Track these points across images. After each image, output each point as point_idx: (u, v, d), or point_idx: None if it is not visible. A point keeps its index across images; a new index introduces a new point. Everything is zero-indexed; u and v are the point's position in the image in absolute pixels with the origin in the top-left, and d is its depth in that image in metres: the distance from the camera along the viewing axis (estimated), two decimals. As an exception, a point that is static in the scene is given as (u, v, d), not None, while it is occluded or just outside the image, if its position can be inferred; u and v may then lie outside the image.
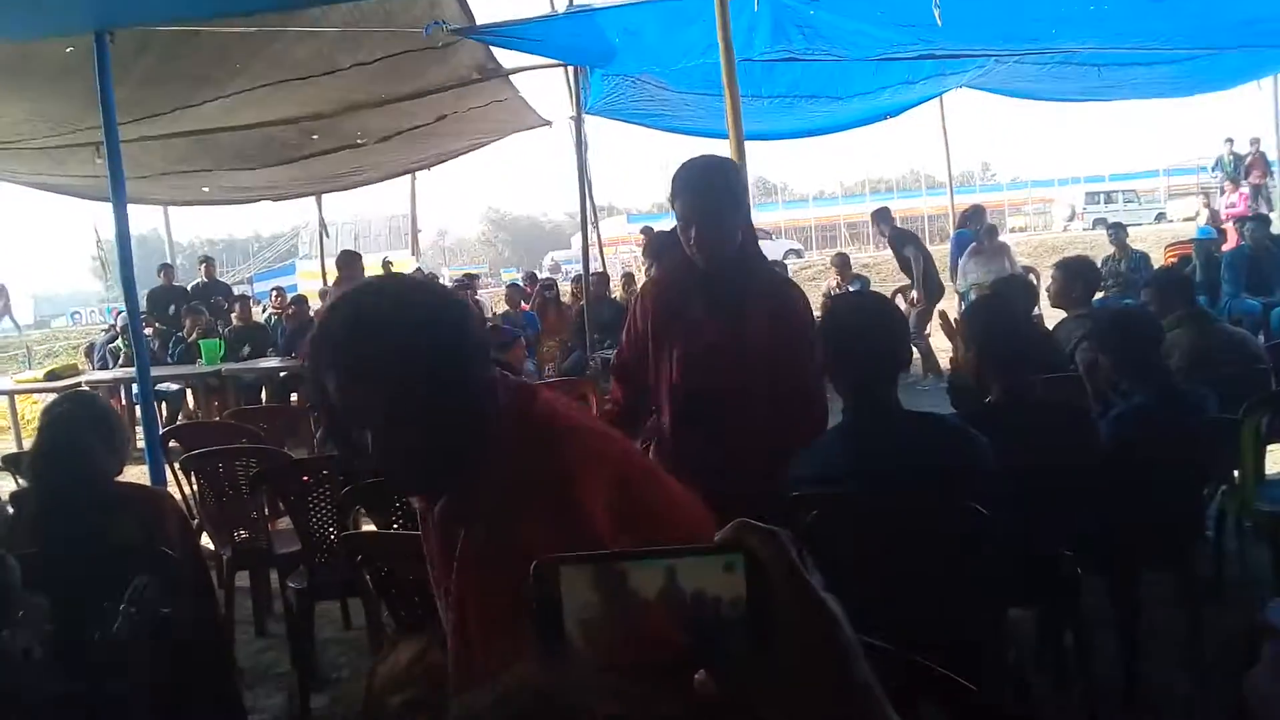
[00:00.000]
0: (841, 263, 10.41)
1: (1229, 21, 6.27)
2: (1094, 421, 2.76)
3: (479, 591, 1.29)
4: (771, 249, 24.00)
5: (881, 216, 10.55)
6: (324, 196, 12.93)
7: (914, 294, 9.51)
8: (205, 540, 3.83)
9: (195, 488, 3.97)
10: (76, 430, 2.25)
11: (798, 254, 29.01)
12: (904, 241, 9.95)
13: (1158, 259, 11.13)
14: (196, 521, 3.94)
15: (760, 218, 35.27)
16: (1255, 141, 16.97)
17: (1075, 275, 4.02)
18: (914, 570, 2.16)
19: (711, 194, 2.42)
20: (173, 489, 3.93)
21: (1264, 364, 3.55)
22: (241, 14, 5.57)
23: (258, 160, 9.96)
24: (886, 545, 2.19)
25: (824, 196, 40.87)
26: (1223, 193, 16.75)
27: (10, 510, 2.37)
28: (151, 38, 5.91)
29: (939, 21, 5.20)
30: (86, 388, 8.97)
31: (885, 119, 9.91)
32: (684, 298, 2.54)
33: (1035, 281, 6.53)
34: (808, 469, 2.30)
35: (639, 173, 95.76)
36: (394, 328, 1.21)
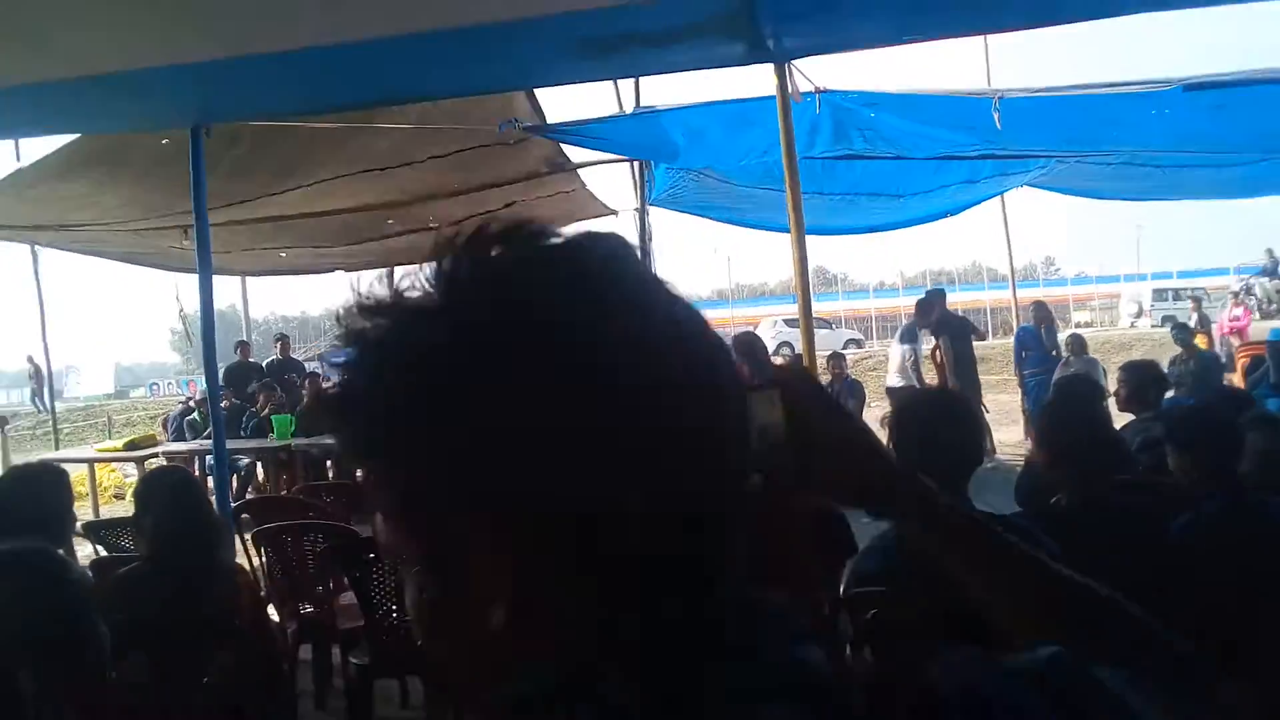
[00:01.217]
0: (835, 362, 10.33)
1: (1294, 126, 6.27)
2: (1164, 527, 2.72)
3: None
4: (831, 338, 23.98)
5: (922, 307, 10.69)
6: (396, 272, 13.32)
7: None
8: (271, 612, 3.92)
9: (264, 560, 4.08)
10: (198, 511, 2.35)
11: (858, 344, 28.91)
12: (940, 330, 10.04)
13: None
14: (264, 594, 4.04)
15: (819, 307, 35.35)
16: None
17: (1144, 377, 3.99)
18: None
19: None
20: (242, 560, 4.04)
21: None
22: (328, 110, 5.87)
23: (334, 240, 10.38)
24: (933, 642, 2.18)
25: (884, 287, 40.81)
26: (1225, 306, 16.60)
27: (91, 576, 2.48)
28: (243, 131, 6.27)
29: (999, 125, 5.29)
30: (163, 460, 9.31)
31: (946, 216, 9.98)
32: None
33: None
34: (871, 564, 2.31)
35: (700, 260, 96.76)
36: None
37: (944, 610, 2.19)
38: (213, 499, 6.43)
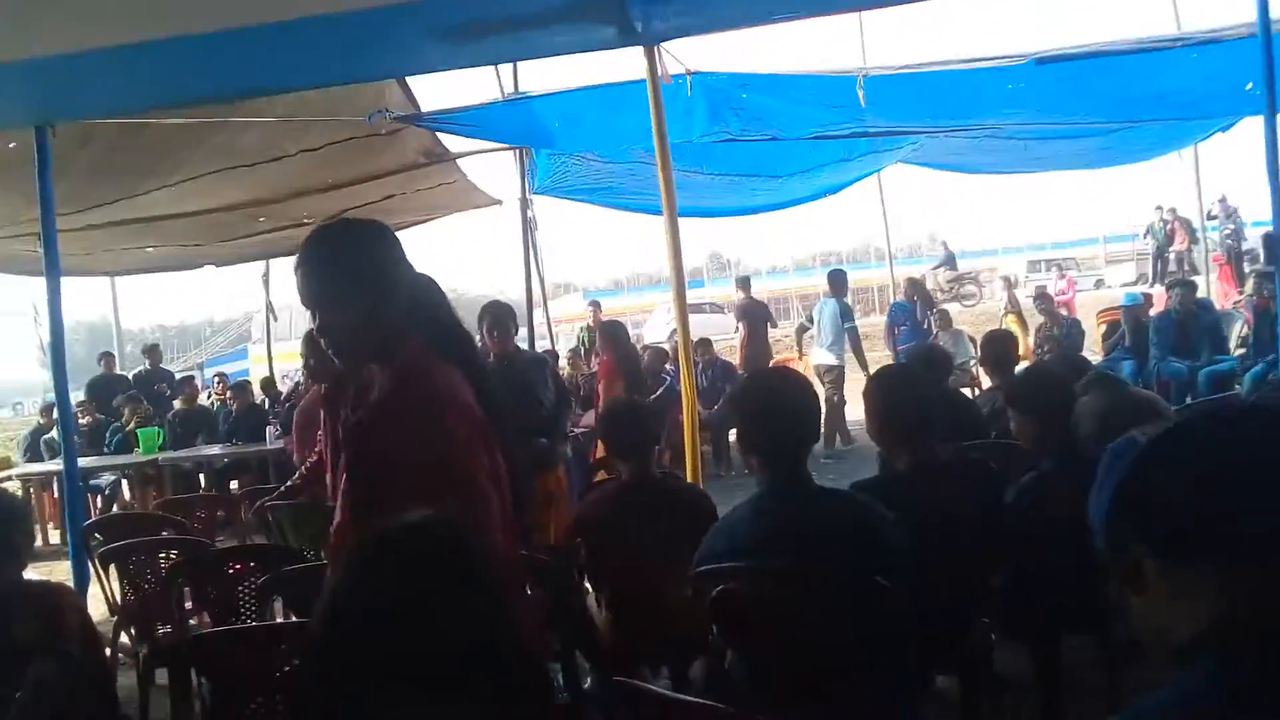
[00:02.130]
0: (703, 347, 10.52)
1: (1143, 96, 6.60)
2: (1003, 487, 2.84)
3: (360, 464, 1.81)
4: (723, 322, 24.25)
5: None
6: (273, 278, 12.85)
7: None
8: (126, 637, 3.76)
9: (117, 581, 3.90)
10: None
11: (774, 324, 29.24)
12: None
13: (1092, 324, 11.48)
14: (116, 618, 3.87)
15: (714, 292, 35.72)
16: (1171, 211, 17.98)
17: (998, 346, 4.16)
18: (825, 643, 2.19)
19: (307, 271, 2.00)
20: (96, 584, 3.86)
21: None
22: (182, 104, 5.63)
23: (204, 239, 9.99)
24: (797, 619, 2.22)
25: (776, 270, 41.45)
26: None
27: None
28: (94, 131, 5.95)
29: (863, 103, 5.42)
30: (17, 483, 8.81)
31: (826, 195, 10.22)
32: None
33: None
34: (719, 542, 2.35)
35: (598, 250, 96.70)
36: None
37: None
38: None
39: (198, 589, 3.64)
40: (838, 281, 10.19)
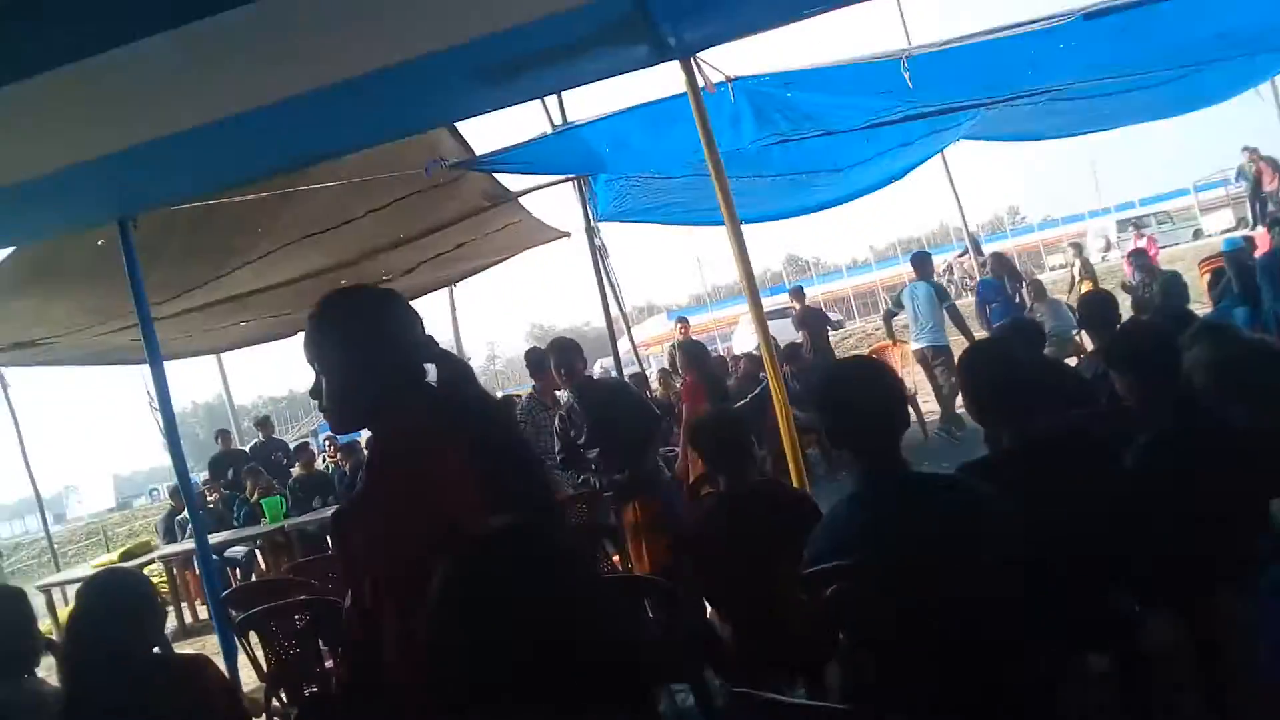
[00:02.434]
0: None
1: (1201, 38, 6.29)
2: (1115, 453, 2.69)
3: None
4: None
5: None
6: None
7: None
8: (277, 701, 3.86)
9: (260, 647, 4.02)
10: (100, 610, 2.32)
11: (838, 325, 28.92)
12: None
13: (1194, 276, 10.93)
14: (265, 684, 3.98)
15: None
16: (1253, 151, 17.23)
17: (1091, 306, 3.99)
18: (947, 633, 2.10)
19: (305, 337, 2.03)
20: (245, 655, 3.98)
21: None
22: (250, 180, 5.85)
23: (294, 308, 10.34)
24: (914, 612, 2.14)
25: (857, 265, 40.94)
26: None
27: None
28: (175, 218, 6.23)
29: (909, 84, 5.30)
30: (160, 565, 9.19)
31: (891, 182, 10.00)
32: None
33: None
34: (825, 541, 2.29)
35: (674, 268, 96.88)
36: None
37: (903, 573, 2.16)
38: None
39: (335, 645, 3.72)
40: (923, 264, 10.14)
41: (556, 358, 5.40)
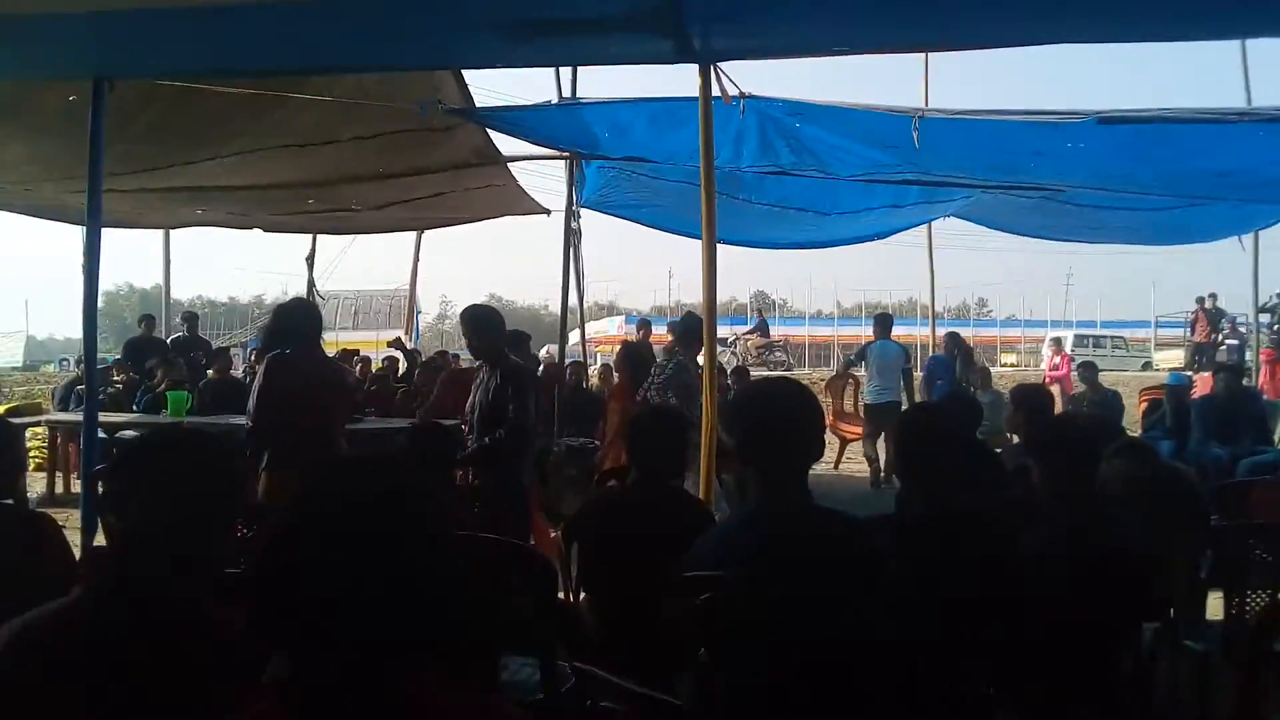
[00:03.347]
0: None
1: (1205, 171, 6.42)
2: (1015, 541, 2.70)
3: None
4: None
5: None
6: (318, 275, 12.86)
7: None
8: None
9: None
10: None
11: (787, 368, 29.16)
12: None
13: (1132, 403, 11.22)
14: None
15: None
16: (1211, 298, 17.91)
17: (1022, 402, 4.04)
18: (809, 668, 2.08)
19: None
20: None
21: (1201, 502, 3.52)
22: (239, 75, 5.70)
23: (252, 210, 10.12)
24: (782, 639, 2.11)
25: (821, 316, 41.30)
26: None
27: None
28: (157, 93, 6.03)
29: (916, 144, 5.33)
30: (45, 430, 8.93)
31: (873, 239, 10.12)
32: None
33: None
34: (709, 549, 2.25)
35: (644, 275, 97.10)
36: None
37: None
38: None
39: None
40: (886, 324, 10.67)
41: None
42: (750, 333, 25.95)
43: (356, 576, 1.12)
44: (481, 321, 5.29)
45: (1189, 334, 19.34)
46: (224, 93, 6.04)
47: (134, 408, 9.47)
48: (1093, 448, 2.91)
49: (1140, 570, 2.73)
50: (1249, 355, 15.30)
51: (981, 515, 2.68)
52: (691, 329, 7.26)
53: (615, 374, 8.41)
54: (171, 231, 14.78)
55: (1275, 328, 16.32)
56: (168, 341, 11.60)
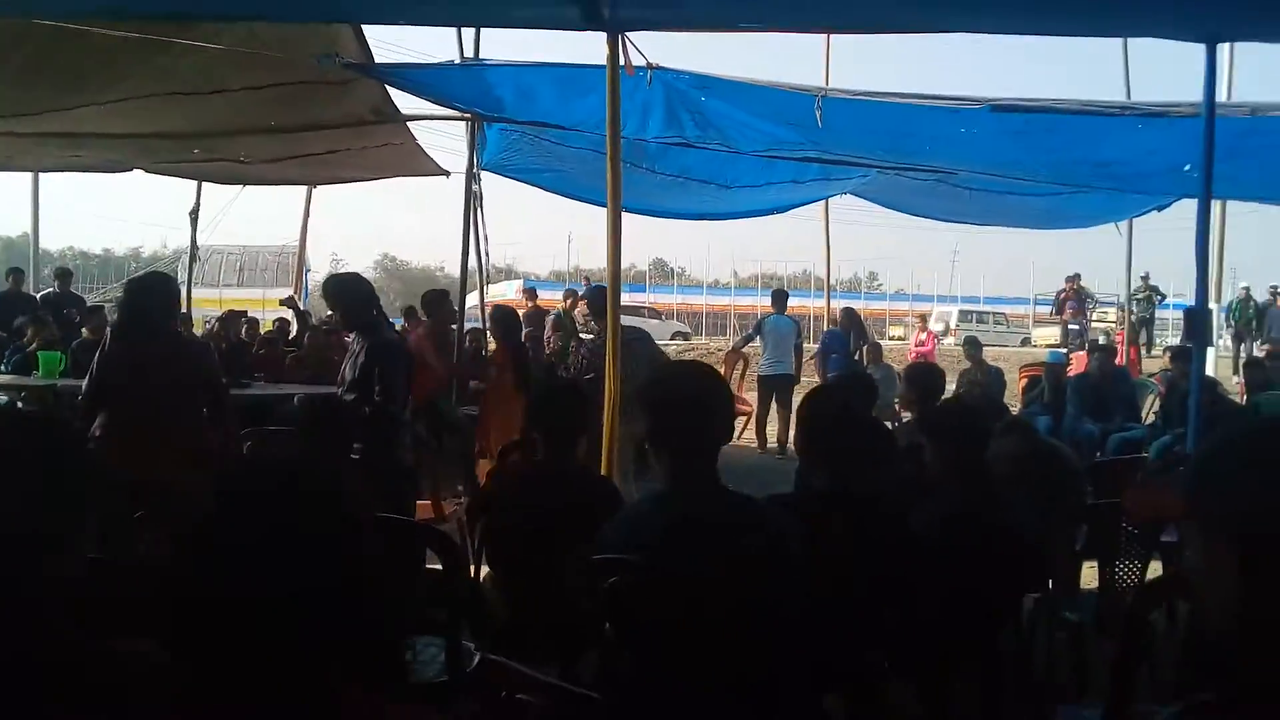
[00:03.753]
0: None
1: (1086, 160, 6.72)
2: (906, 518, 2.81)
3: None
4: (659, 328, 24.34)
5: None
6: (202, 226, 12.26)
7: None
8: None
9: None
10: None
11: (685, 336, 29.43)
12: None
13: (1013, 378, 11.73)
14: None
15: (655, 298, 35.87)
16: (1073, 279, 18.91)
17: (916, 381, 4.17)
18: (713, 649, 2.12)
19: None
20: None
21: (1079, 479, 3.72)
22: (125, 17, 5.37)
23: (133, 159, 9.59)
24: (687, 622, 2.15)
25: (718, 286, 41.75)
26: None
27: None
28: (32, 31, 5.64)
29: (819, 123, 5.41)
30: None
31: (773, 213, 10.29)
32: None
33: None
34: (617, 533, 2.27)
35: (542, 239, 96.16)
36: None
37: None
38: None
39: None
40: (782, 300, 11.13)
41: None
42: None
43: (278, 575, 1.08)
44: (339, 291, 5.07)
45: (1054, 311, 20.33)
46: (104, 34, 5.68)
47: (1, 368, 8.93)
48: (983, 430, 3.04)
49: (1024, 547, 2.87)
50: (1110, 336, 16.18)
51: (879, 494, 2.77)
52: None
53: (490, 340, 8.33)
54: (41, 175, 13.92)
55: (1134, 315, 17.26)
56: (37, 298, 10.95)
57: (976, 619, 2.82)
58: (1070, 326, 18.88)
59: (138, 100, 7.09)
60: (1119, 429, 8.14)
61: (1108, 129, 6.07)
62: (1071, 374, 9.37)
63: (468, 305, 9.51)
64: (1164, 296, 19.05)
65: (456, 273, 9.28)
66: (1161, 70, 14.77)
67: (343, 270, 6.15)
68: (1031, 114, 5.54)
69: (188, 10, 5.40)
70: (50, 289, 11.42)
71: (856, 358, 11.21)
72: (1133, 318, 16.62)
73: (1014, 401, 10.44)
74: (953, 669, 2.90)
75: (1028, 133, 5.91)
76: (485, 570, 3.28)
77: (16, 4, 5.03)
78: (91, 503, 1.41)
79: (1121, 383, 8.88)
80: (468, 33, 6.73)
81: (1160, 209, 9.40)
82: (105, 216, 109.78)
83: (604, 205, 4.80)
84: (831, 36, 9.56)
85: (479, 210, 8.56)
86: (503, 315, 8.05)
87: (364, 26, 6.01)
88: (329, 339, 9.28)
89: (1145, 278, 17.85)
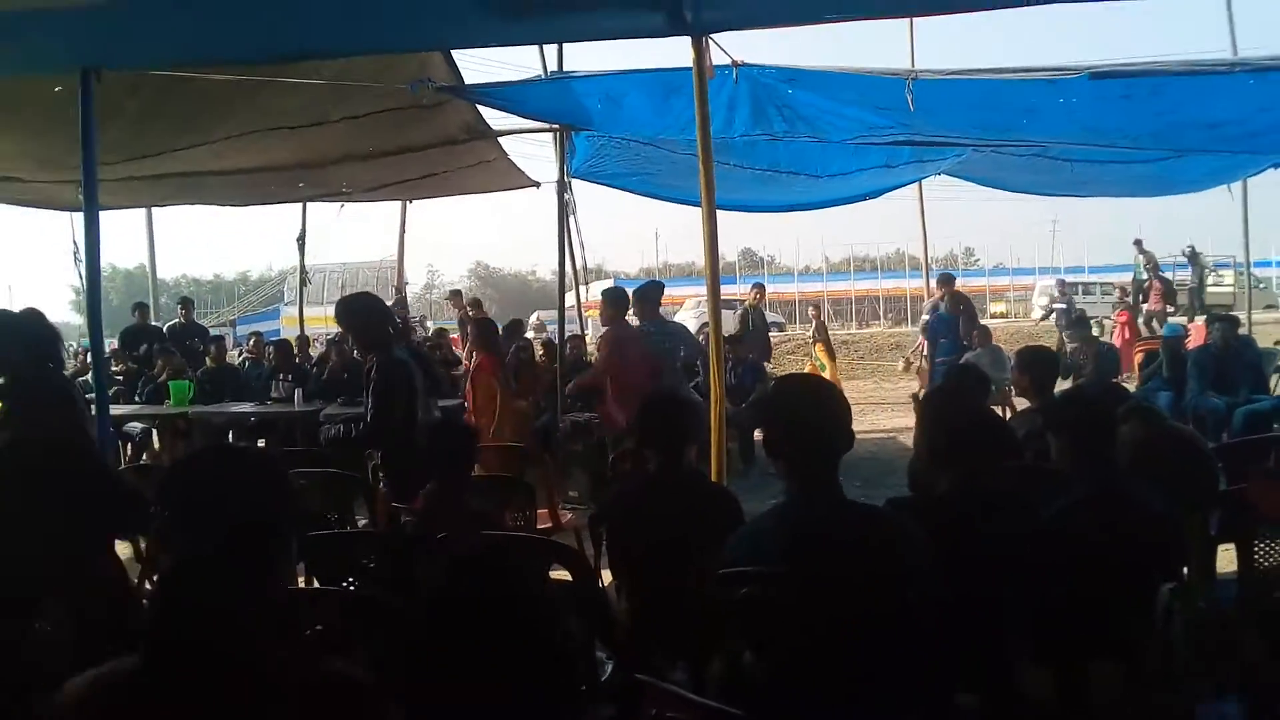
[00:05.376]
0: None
1: (1193, 124, 6.43)
2: (1037, 512, 2.76)
3: None
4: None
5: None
6: (308, 246, 12.75)
7: None
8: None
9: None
10: None
11: (779, 327, 29.17)
12: None
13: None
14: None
15: (745, 290, 35.59)
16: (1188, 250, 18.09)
17: (1032, 366, 4.07)
18: (845, 655, 2.14)
19: None
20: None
21: (1210, 463, 3.58)
22: (228, 63, 5.63)
23: (243, 199, 10.03)
24: (818, 630, 2.17)
25: (809, 273, 41.28)
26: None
27: None
28: (144, 81, 5.96)
29: (911, 106, 5.32)
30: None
31: (865, 199, 10.11)
32: None
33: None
34: (745, 546, 2.30)
35: (629, 236, 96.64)
36: None
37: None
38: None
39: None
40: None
41: None
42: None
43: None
44: (344, 313, 5.11)
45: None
46: (211, 78, 5.97)
47: (135, 399, 9.47)
48: (1108, 418, 2.96)
49: (1159, 534, 2.79)
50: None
51: (1006, 491, 2.73)
52: (649, 295, 7.50)
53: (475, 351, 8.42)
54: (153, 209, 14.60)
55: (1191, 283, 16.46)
56: (164, 329, 11.56)
57: (1111, 610, 2.76)
58: (1056, 305, 18.09)
59: (244, 137, 7.43)
60: (1246, 401, 7.76)
61: (1216, 88, 5.78)
62: (1190, 346, 8.98)
63: (566, 306, 9.61)
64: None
65: (546, 278, 9.44)
66: (1269, 21, 14.00)
67: (358, 291, 6.33)
68: (1133, 79, 5.33)
69: (286, 52, 5.62)
70: (175, 320, 12.01)
71: (965, 342, 10.87)
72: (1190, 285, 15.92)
73: (1131, 379, 10.05)
74: (1090, 660, 2.85)
75: (1131, 97, 5.68)
76: (608, 578, 3.35)
77: (129, 58, 5.30)
78: (295, 531, 1.56)
79: (1247, 350, 8.44)
80: (549, 47, 6.87)
81: (1278, 166, 8.92)
82: (213, 241, 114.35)
83: (694, 204, 4.81)
84: (914, 22, 9.36)
85: (572, 217, 8.70)
86: (482, 329, 8.30)
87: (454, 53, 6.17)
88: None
89: (1190, 248, 17.28)
